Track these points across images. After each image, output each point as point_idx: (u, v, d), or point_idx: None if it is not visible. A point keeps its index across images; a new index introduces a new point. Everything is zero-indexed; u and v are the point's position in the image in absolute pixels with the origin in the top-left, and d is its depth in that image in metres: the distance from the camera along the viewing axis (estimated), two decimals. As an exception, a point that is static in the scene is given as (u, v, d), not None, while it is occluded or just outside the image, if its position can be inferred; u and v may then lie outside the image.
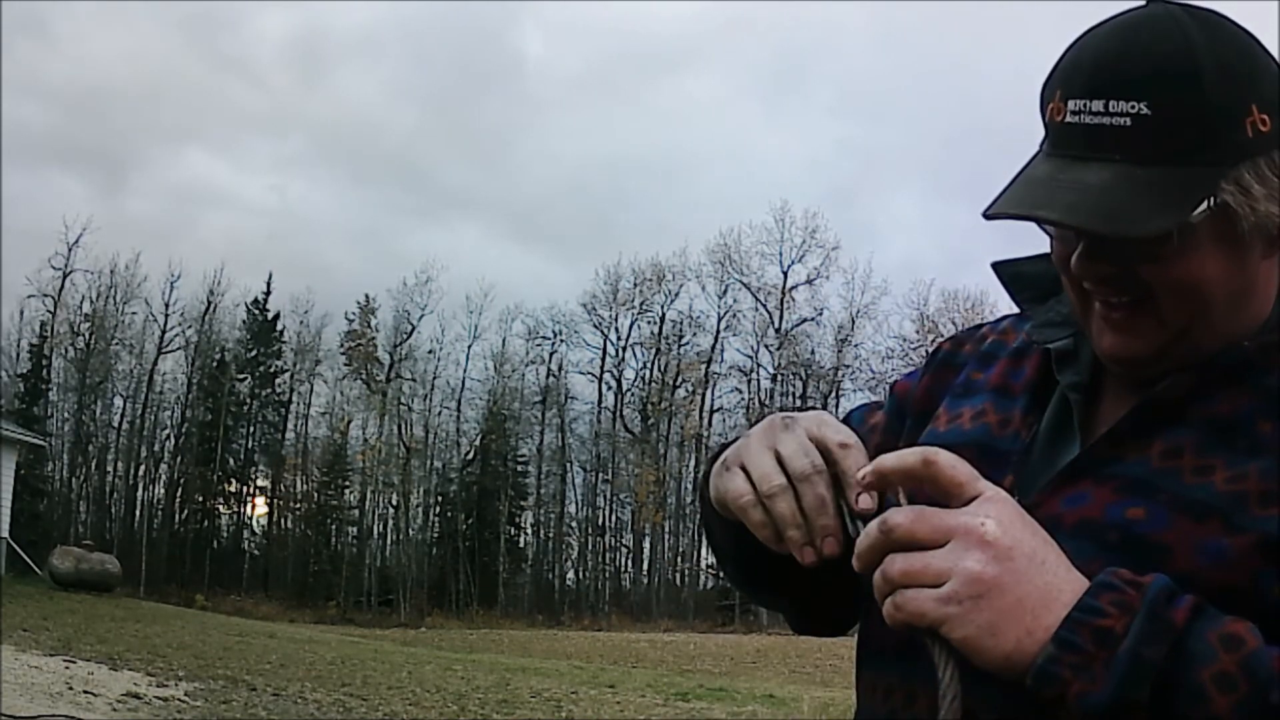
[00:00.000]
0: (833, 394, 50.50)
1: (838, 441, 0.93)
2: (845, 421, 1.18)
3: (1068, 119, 0.91)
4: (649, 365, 53.43)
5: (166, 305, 48.94)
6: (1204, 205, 0.88)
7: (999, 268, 1.09)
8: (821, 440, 0.94)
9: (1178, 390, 0.92)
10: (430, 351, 51.78)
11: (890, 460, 0.87)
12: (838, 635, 1.20)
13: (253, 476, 51.12)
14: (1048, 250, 1.06)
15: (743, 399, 52.30)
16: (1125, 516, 0.87)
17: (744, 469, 0.95)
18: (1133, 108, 0.88)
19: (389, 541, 51.30)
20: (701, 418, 52.39)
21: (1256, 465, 0.86)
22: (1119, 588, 0.80)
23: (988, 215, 0.93)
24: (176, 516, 48.08)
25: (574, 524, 52.88)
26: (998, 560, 0.79)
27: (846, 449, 0.93)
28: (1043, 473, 0.96)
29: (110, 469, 48.22)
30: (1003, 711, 0.87)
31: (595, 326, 53.07)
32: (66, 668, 11.29)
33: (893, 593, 0.82)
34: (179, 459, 48.89)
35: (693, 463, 52.01)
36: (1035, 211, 0.90)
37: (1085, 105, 0.90)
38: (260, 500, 50.90)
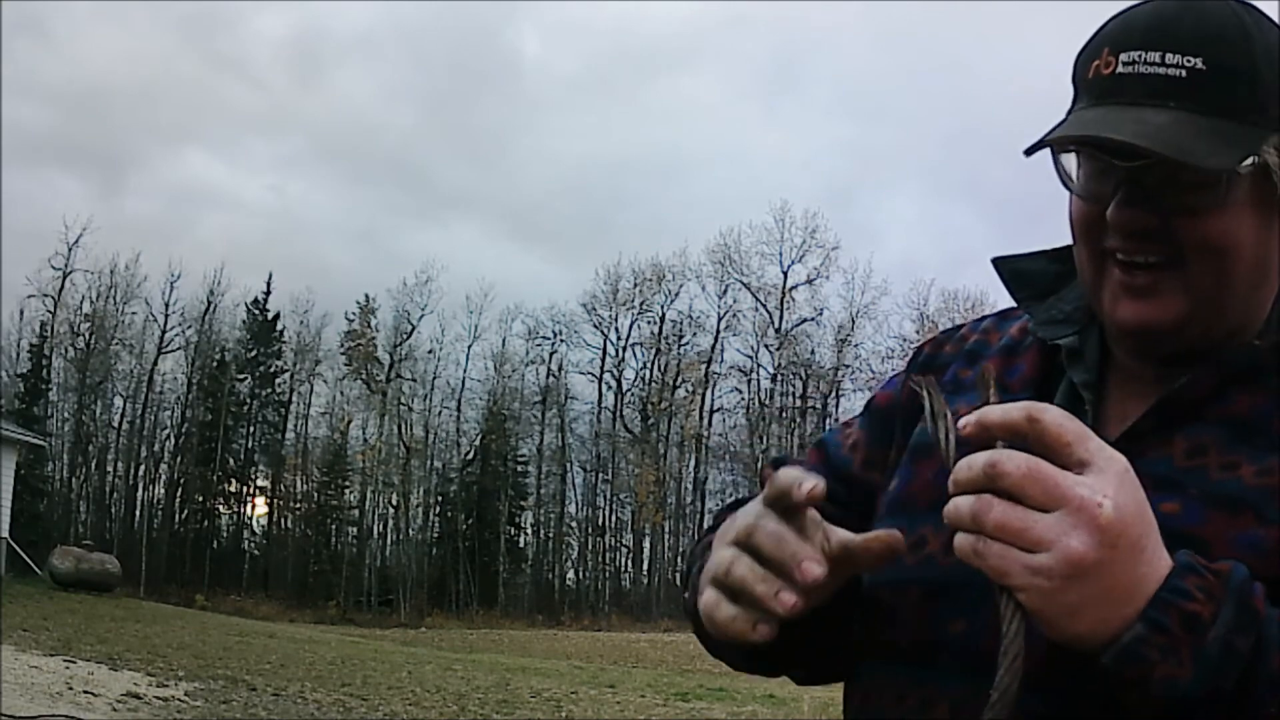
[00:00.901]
0: (833, 394, 50.59)
1: (769, 494, 0.87)
2: (819, 446, 1.20)
3: (1120, 70, 0.93)
4: (649, 365, 53.52)
5: (166, 305, 49.06)
6: (1250, 160, 0.89)
7: (1000, 263, 1.08)
8: (756, 505, 0.88)
9: (1198, 390, 0.92)
10: (430, 351, 51.89)
11: (995, 413, 0.78)
12: (840, 681, 1.12)
13: (253, 476, 51.17)
14: (1046, 248, 1.06)
15: (743, 399, 52.38)
16: (1160, 510, 0.83)
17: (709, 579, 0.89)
18: (1189, 61, 0.90)
19: (389, 541, 51.36)
20: (701, 418, 52.43)
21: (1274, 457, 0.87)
22: (1201, 572, 0.77)
23: (1043, 143, 0.94)
24: (176, 516, 48.08)
25: (574, 524, 52.91)
26: (1103, 547, 0.74)
27: (780, 484, 0.85)
28: None
29: (110, 469, 48.26)
30: (1026, 711, 0.81)
31: (595, 326, 53.18)
32: (66, 668, 11.30)
33: (976, 534, 0.76)
34: (179, 459, 48.89)
35: (693, 463, 52.09)
36: (1103, 133, 0.90)
37: (1141, 56, 0.92)
38: (260, 500, 50.98)
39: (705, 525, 1.17)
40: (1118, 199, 0.92)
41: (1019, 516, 0.74)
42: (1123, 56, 0.93)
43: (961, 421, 0.79)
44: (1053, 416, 0.77)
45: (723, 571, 0.86)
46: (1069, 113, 0.98)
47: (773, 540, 0.84)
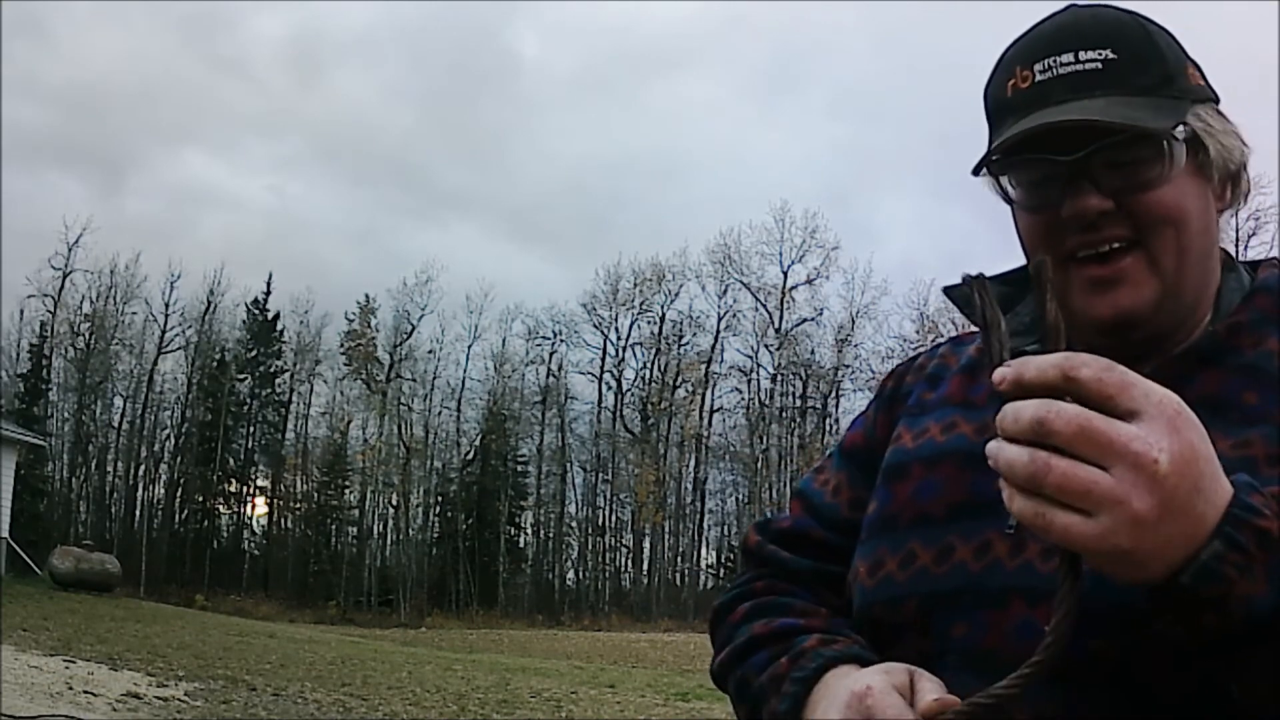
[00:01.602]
0: (833, 394, 50.58)
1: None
2: (800, 496, 1.20)
3: (1038, 79, 0.97)
4: (649, 365, 53.50)
5: (166, 305, 49.07)
6: (1181, 126, 0.94)
7: (950, 291, 1.09)
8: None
9: (1163, 378, 0.91)
10: (430, 351, 51.89)
11: (1031, 371, 0.75)
12: None
13: (253, 476, 51.18)
14: (1007, 269, 1.10)
15: (743, 399, 52.35)
16: None
17: None
18: (1100, 54, 0.95)
19: (389, 541, 51.33)
20: (701, 418, 52.40)
21: (1258, 432, 0.89)
22: (1261, 490, 0.76)
23: (987, 159, 0.97)
24: (176, 516, 48.08)
25: (574, 524, 52.90)
26: (1165, 501, 0.71)
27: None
28: None
29: (110, 469, 48.25)
30: (1039, 705, 0.87)
31: (595, 326, 53.18)
32: (66, 668, 11.29)
33: (1034, 495, 0.73)
34: (179, 459, 48.89)
35: (693, 462, 52.07)
36: (1055, 119, 0.93)
37: (1053, 61, 0.96)
38: (260, 500, 50.99)
39: (719, 609, 1.18)
40: (1070, 194, 0.94)
41: (1080, 480, 0.71)
42: (1036, 67, 0.97)
43: (997, 375, 0.76)
44: (1090, 372, 0.73)
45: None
46: (992, 139, 1.00)
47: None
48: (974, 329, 1.10)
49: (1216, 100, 1.00)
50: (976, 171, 0.98)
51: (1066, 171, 0.94)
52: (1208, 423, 0.85)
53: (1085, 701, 0.87)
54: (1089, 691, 0.87)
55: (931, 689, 0.86)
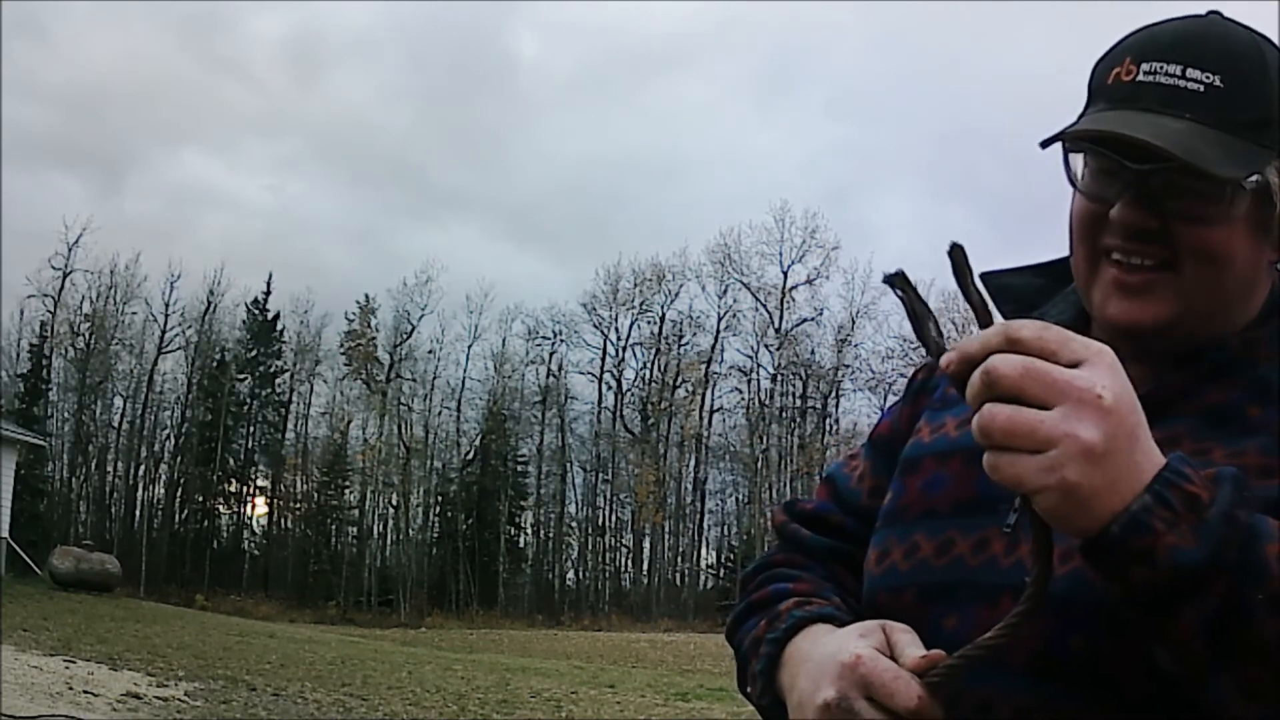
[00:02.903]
0: (833, 394, 50.59)
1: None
2: (828, 481, 1.25)
3: (1140, 78, 0.97)
4: (649, 365, 53.50)
5: (166, 305, 49.06)
6: (1255, 177, 0.94)
7: (986, 278, 1.09)
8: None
9: (1172, 387, 0.96)
10: (430, 351, 51.87)
11: (974, 344, 0.79)
12: None
13: (253, 476, 51.17)
14: (1030, 264, 1.11)
15: (743, 399, 52.34)
16: None
17: None
18: (1208, 77, 0.95)
19: (389, 541, 51.34)
20: (701, 418, 52.41)
21: (1254, 443, 0.91)
22: (1195, 465, 0.80)
23: (1058, 137, 0.97)
24: (176, 516, 48.07)
25: (574, 524, 52.88)
26: (1109, 433, 0.75)
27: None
28: None
29: (110, 469, 48.26)
30: (1020, 701, 0.91)
31: (595, 326, 53.17)
32: (66, 668, 11.29)
33: (996, 449, 0.77)
34: (179, 459, 48.89)
35: (693, 462, 52.05)
36: (1123, 131, 0.93)
37: (1162, 67, 0.96)
38: (260, 500, 50.98)
39: (742, 580, 1.23)
40: (1125, 198, 0.95)
41: (1025, 418, 0.75)
42: (1144, 65, 0.96)
43: (943, 360, 0.81)
44: (1030, 331, 0.77)
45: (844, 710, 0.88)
46: (1082, 115, 1.00)
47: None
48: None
49: None
50: (1047, 144, 0.98)
51: (1131, 177, 0.95)
52: (1208, 433, 0.92)
53: (1066, 698, 0.90)
54: (1070, 688, 0.90)
55: (910, 642, 0.90)
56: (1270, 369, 0.95)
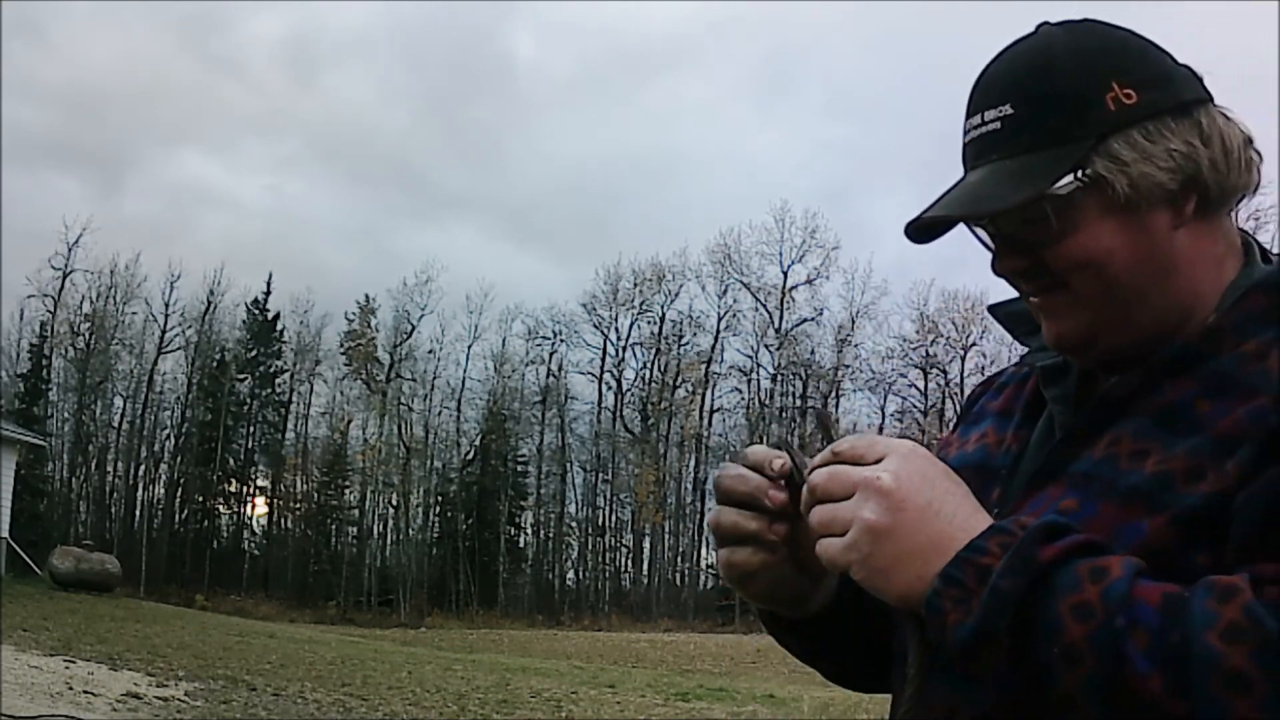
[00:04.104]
0: (833, 394, 50.49)
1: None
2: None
3: (965, 140, 1.01)
4: (649, 365, 53.47)
5: (166, 305, 49.05)
6: (1070, 178, 0.94)
7: (994, 310, 1.16)
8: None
9: (1125, 387, 0.98)
10: (430, 351, 51.86)
11: (815, 462, 0.95)
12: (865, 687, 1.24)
13: (253, 476, 51.15)
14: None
15: (743, 399, 52.33)
16: (1060, 508, 0.93)
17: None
18: (1000, 112, 0.98)
19: (389, 541, 51.34)
20: (701, 418, 52.40)
21: (1188, 445, 0.90)
22: (1010, 531, 0.85)
23: (912, 222, 1.02)
24: (176, 516, 48.07)
25: (574, 524, 52.88)
26: (892, 510, 0.87)
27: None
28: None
29: (110, 469, 48.26)
30: (982, 711, 0.94)
31: (595, 326, 53.14)
32: (66, 668, 11.29)
33: (817, 540, 0.91)
34: (179, 459, 48.89)
35: (693, 462, 52.04)
36: (923, 215, 1.00)
37: (974, 121, 1.00)
38: (260, 500, 50.96)
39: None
40: (994, 254, 1.02)
41: (828, 510, 0.91)
42: (966, 126, 1.01)
43: (810, 482, 0.94)
44: (846, 444, 0.93)
45: (713, 525, 1.02)
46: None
47: (738, 481, 1.00)
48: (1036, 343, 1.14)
49: (1166, 108, 0.96)
50: (909, 232, 1.03)
51: (984, 235, 1.01)
52: (1152, 434, 0.93)
53: None
54: None
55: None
56: (1231, 360, 0.93)
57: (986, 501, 0.95)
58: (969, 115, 1.00)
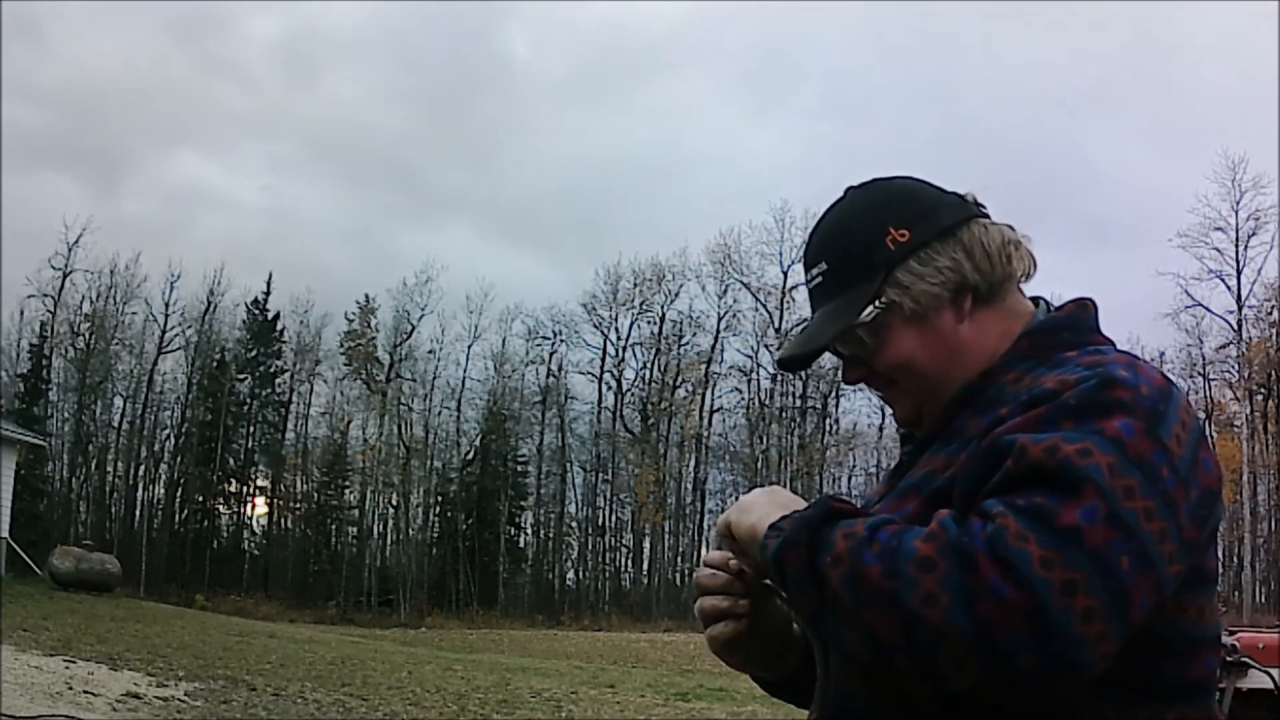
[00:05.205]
0: (833, 394, 50.51)
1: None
2: None
3: (807, 288, 1.35)
4: (649, 365, 53.48)
5: (166, 305, 49.03)
6: (870, 309, 1.27)
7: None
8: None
9: (937, 426, 1.28)
10: (430, 351, 51.84)
11: (712, 553, 1.33)
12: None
13: (253, 476, 51.17)
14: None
15: (743, 399, 52.34)
16: (887, 508, 1.24)
17: None
18: (819, 269, 1.33)
19: (389, 541, 51.34)
20: (701, 418, 52.39)
21: (949, 449, 1.22)
22: (799, 513, 1.19)
23: (777, 365, 1.47)
24: (176, 516, 48.09)
25: (574, 524, 52.90)
26: (741, 515, 1.24)
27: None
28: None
29: (110, 469, 48.27)
30: (876, 706, 1.20)
31: (595, 326, 53.14)
32: (66, 668, 11.29)
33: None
34: (179, 459, 48.89)
35: (693, 462, 52.05)
36: (779, 355, 1.37)
37: (807, 276, 1.34)
38: (260, 500, 50.98)
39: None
40: (841, 371, 1.36)
41: (705, 575, 1.33)
42: (805, 277, 1.35)
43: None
44: (721, 520, 1.27)
45: (697, 610, 1.34)
46: None
47: (710, 578, 1.33)
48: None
49: (933, 235, 1.27)
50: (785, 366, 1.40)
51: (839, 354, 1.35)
52: (940, 451, 1.24)
53: None
54: None
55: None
56: (998, 388, 1.23)
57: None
58: (804, 269, 1.34)
